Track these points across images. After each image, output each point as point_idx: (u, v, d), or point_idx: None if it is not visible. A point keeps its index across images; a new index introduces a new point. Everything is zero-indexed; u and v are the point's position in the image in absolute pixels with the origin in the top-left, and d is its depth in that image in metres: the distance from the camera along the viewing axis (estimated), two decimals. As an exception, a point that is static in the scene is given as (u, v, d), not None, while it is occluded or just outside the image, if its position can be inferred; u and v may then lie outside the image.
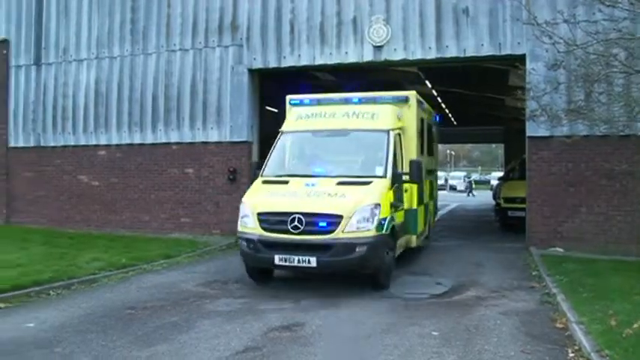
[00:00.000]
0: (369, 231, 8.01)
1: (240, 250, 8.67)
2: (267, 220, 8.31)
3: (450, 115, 30.17)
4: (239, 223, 8.74)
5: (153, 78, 15.30)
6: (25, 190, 16.98)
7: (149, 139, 15.30)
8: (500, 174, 31.43)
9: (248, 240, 8.40)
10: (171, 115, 15.06)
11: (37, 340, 6.02)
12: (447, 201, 33.20)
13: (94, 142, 16.01)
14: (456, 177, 60.17)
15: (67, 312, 7.26)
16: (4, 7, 17.30)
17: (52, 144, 16.59)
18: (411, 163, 9.32)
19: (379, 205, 8.21)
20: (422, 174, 9.19)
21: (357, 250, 7.88)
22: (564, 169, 12.05)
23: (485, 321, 6.78)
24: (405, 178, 9.34)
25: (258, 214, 8.38)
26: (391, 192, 8.75)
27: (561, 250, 11.65)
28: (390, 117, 9.66)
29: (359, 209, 8.03)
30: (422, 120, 11.36)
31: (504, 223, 16.69)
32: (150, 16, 15.37)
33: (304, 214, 8.00)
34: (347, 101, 10.33)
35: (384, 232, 8.26)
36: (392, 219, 8.62)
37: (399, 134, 9.75)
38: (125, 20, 15.67)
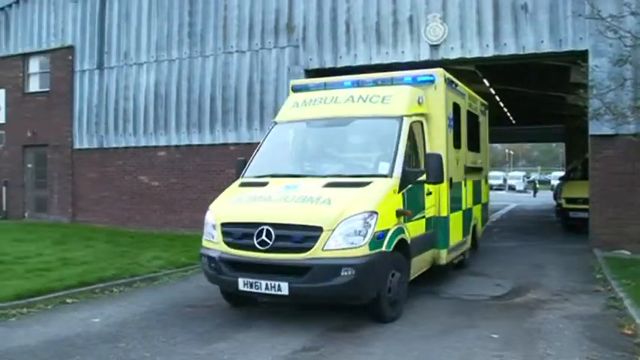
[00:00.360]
0: (360, 248, 6.15)
1: (203, 269, 7.20)
2: (231, 232, 6.67)
3: (508, 113, 29.54)
4: (203, 235, 7.19)
5: (210, 80, 15.57)
6: (90, 190, 17.59)
7: (207, 139, 15.57)
8: (561, 173, 30.59)
9: (210, 258, 6.81)
10: (228, 116, 15.28)
11: (103, 335, 6.22)
12: (506, 201, 32.62)
13: (153, 144, 16.42)
14: (515, 177, 58.93)
15: (129, 308, 7.47)
16: (71, 16, 17.99)
17: (114, 145, 17.12)
18: (428, 157, 7.40)
19: (375, 213, 6.32)
20: (442, 172, 7.28)
21: (343, 273, 6.03)
22: (630, 169, 11.58)
23: (547, 324, 6.59)
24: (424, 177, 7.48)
25: (222, 224, 6.78)
26: (399, 196, 6.89)
27: (628, 252, 11.21)
28: (406, 100, 7.75)
29: (345, 219, 6.19)
30: (457, 106, 9.27)
31: (566, 224, 16.20)
32: (207, 19, 15.65)
33: (274, 226, 6.31)
34: (359, 84, 8.55)
35: (384, 248, 6.39)
36: (400, 231, 6.78)
37: (420, 122, 7.94)
38: (183, 23, 16.00)
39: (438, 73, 8.41)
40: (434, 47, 13.14)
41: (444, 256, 8.33)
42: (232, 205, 7.13)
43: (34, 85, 19.29)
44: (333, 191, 6.65)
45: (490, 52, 12.74)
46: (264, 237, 6.31)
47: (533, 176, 60.16)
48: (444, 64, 13.98)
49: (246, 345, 5.86)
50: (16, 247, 11.58)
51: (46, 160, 18.61)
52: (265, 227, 6.33)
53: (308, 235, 6.20)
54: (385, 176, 6.91)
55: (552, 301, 7.75)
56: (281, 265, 6.26)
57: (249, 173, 7.87)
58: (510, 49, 12.55)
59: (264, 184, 7.27)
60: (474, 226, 10.72)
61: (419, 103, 7.96)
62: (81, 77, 17.77)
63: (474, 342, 5.92)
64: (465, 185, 9.74)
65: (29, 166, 19.24)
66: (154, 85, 16.44)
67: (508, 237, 15.37)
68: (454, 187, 8.73)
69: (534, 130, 40.16)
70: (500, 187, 54.34)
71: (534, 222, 20.94)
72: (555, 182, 33.70)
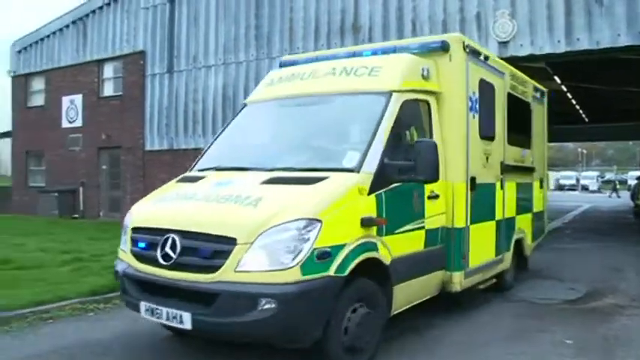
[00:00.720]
0: (288, 271, 4.37)
1: None
2: (139, 240, 5.20)
3: (580, 111, 28.54)
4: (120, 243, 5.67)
5: (276, 81, 15.73)
6: (160, 190, 18.10)
7: (273, 141, 15.72)
8: (639, 173, 29.31)
9: (115, 272, 5.48)
10: (294, 117, 15.40)
11: (170, 333, 6.35)
12: (580, 201, 31.56)
13: (221, 145, 16.73)
14: (589, 177, 57.15)
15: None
16: (142, 22, 18.65)
17: (184, 147, 17.58)
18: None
19: (317, 221, 4.51)
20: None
21: (261, 306, 4.33)
22: None
23: (626, 331, 6.28)
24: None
25: (133, 229, 5.32)
26: (371, 198, 5.07)
27: None
28: (400, 72, 5.90)
29: (270, 229, 4.45)
30: (487, 85, 7.17)
31: (644, 225, 15.54)
32: (273, 22, 15.84)
33: (182, 234, 4.76)
34: (355, 55, 6.72)
35: (331, 272, 4.52)
36: (367, 247, 4.93)
37: (426, 103, 6.11)
38: (250, 26, 16.26)
39: (453, 38, 6.51)
40: (502, 44, 12.83)
41: (457, 281, 6.32)
42: (152, 204, 5.64)
43: (108, 90, 20.08)
44: (270, 189, 5.00)
45: (562, 48, 12.32)
46: (167, 249, 4.77)
47: (609, 176, 57.99)
48: (513, 61, 13.72)
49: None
50: (92, 245, 12.04)
51: (119, 161, 19.33)
52: (171, 236, 4.79)
53: (218, 248, 4.56)
54: (350, 171, 5.11)
55: (631, 307, 7.40)
56: (184, 289, 4.68)
57: (199, 165, 6.32)
58: (583, 44, 12.10)
59: (198, 179, 5.73)
60: (519, 241, 8.49)
61: (423, 76, 6.07)
62: (152, 81, 18.34)
63: (545, 347, 5.72)
64: (502, 188, 7.59)
65: (104, 167, 20.02)
66: (222, 87, 16.79)
67: (581, 238, 14.84)
68: (479, 189, 6.69)
69: (609, 128, 38.60)
70: (572, 187, 52.90)
71: (610, 223, 20.15)
72: (633, 182, 32.31)
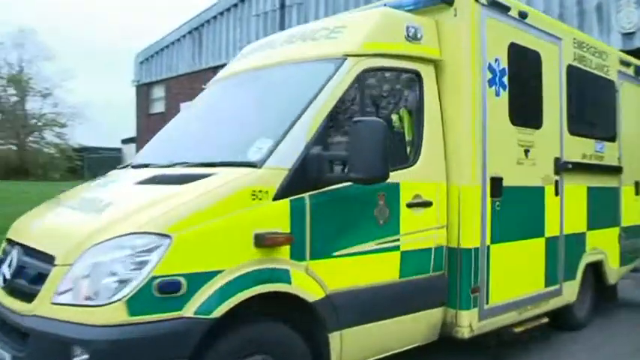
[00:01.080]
0: (109, 308, 2.98)
1: None
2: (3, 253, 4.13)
3: None
4: None
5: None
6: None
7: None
8: None
9: None
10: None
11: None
12: None
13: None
14: None
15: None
16: (254, 29, 19.56)
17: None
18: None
19: (164, 237, 3.09)
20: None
21: (77, 356, 2.94)
22: None
23: None
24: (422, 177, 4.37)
25: (6, 240, 4.17)
26: (279, 205, 3.52)
27: None
28: (365, 31, 4.32)
29: (95, 246, 3.13)
30: (523, 50, 5.29)
31: None
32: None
33: (23, 249, 3.65)
34: None
35: (188, 312, 3.08)
36: (260, 277, 3.37)
37: (415, 73, 4.52)
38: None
39: None
40: (627, 36, 12.02)
41: (466, 323, 4.51)
42: (34, 210, 4.51)
43: (222, 96, 20.94)
44: (135, 191, 3.82)
45: (698, 35, 11.40)
46: (5, 266, 3.71)
47: None
48: (639, 53, 12.86)
49: None
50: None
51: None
52: (14, 250, 3.71)
53: (41, 269, 3.34)
54: (251, 165, 3.59)
55: None
56: (6, 322, 3.48)
57: (133, 160, 5.12)
58: None
59: (97, 179, 4.73)
60: (595, 265, 6.44)
61: (409, 38, 4.47)
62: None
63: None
64: (558, 193, 5.66)
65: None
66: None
67: None
68: (510, 194, 4.93)
69: None
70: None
71: None
72: None
